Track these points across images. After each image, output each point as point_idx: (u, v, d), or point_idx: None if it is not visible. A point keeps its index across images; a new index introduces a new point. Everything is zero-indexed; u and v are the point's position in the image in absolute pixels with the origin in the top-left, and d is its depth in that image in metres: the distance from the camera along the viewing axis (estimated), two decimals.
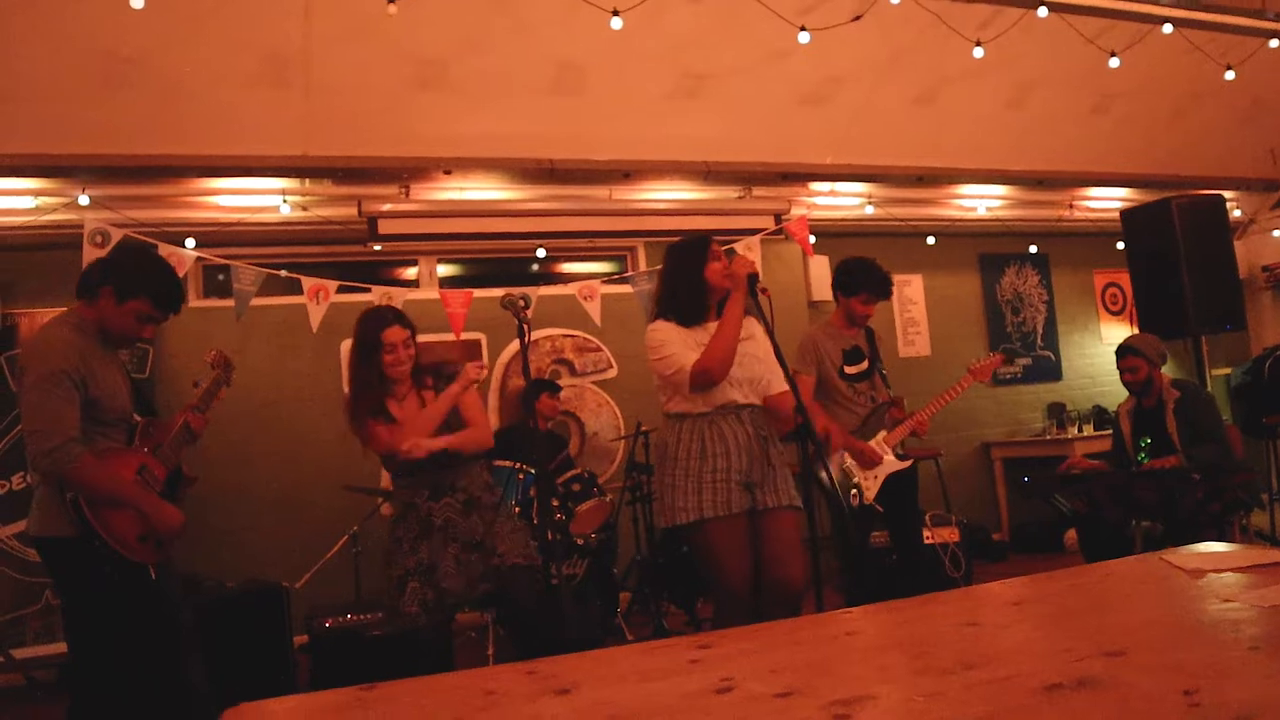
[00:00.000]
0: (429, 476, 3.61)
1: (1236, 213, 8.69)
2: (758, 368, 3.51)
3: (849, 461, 4.56)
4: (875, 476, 4.57)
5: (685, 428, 3.46)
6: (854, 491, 4.51)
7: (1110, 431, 5.70)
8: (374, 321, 3.65)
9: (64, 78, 4.86)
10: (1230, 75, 6.48)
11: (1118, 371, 5.34)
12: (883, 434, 4.63)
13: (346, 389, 3.78)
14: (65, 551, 3.02)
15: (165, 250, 5.07)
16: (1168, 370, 5.35)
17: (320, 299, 5.59)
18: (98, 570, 3.02)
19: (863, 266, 4.66)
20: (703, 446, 3.42)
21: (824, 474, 4.09)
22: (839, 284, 4.72)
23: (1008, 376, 8.38)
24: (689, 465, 3.41)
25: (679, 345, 3.42)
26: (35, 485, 3.09)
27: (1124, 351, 5.27)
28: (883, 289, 4.68)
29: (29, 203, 5.49)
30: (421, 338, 3.80)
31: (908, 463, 4.67)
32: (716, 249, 3.54)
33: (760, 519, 3.43)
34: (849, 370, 4.64)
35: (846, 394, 4.62)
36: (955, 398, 4.91)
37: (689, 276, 3.50)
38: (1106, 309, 9.01)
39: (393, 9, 4.63)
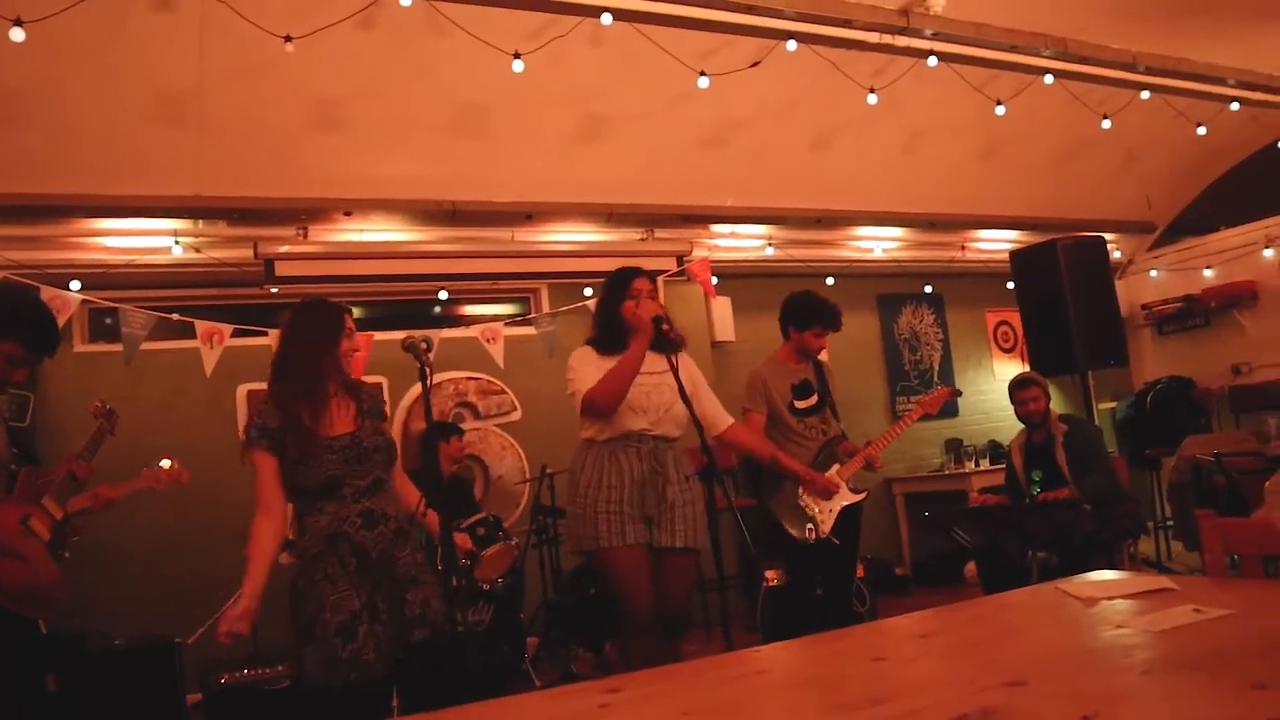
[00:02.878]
0: (361, 502, 3.07)
1: (1117, 254, 9.10)
2: (667, 397, 3.56)
3: (804, 496, 4.47)
4: (830, 510, 4.48)
5: (590, 455, 3.60)
6: (809, 526, 4.42)
7: (1004, 466, 5.87)
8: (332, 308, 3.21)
9: None
10: (1107, 124, 6.81)
11: (1012, 405, 5.52)
12: (836, 467, 4.58)
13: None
14: None
15: (48, 293, 4.85)
16: (1057, 405, 5.54)
17: (214, 343, 5.42)
18: None
19: (813, 300, 4.69)
20: (600, 476, 3.54)
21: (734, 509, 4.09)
22: (790, 318, 4.72)
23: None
24: (589, 494, 3.54)
25: (587, 372, 3.56)
26: None
27: (1026, 383, 5.44)
28: (834, 321, 4.70)
29: None
30: None
31: (862, 495, 4.61)
32: (637, 286, 3.66)
33: (659, 555, 3.55)
34: (799, 405, 4.61)
35: (797, 429, 4.59)
36: (904, 430, 4.97)
37: (608, 308, 3.69)
38: (999, 346, 9.31)
39: (290, 48, 4.56)
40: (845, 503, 4.54)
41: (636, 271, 3.74)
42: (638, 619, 3.47)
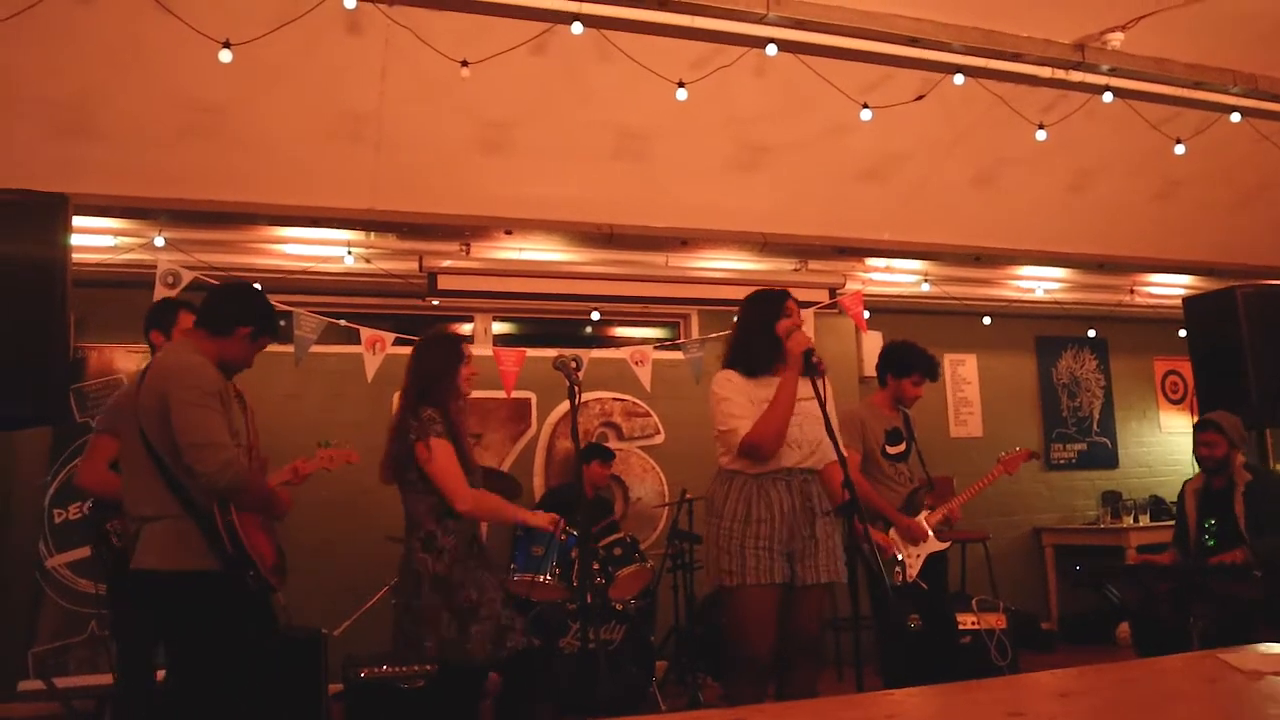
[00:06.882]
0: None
1: None
2: (817, 430, 3.47)
3: (894, 539, 4.56)
4: (918, 555, 4.58)
5: (735, 486, 3.51)
6: (897, 569, 4.50)
7: (1170, 521, 5.56)
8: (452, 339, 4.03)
9: (149, 125, 5.06)
10: None
11: (1193, 445, 5.19)
12: (924, 514, 4.66)
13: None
14: (205, 586, 3.00)
15: None
16: None
17: (377, 350, 5.68)
18: (240, 602, 3.07)
19: (913, 349, 4.78)
20: (748, 510, 3.46)
21: (867, 549, 4.04)
22: (890, 366, 4.79)
23: (1061, 462, 8.24)
24: (733, 528, 3.47)
25: (740, 403, 3.49)
26: (149, 519, 3.04)
27: (1205, 426, 5.12)
28: (933, 370, 4.80)
29: (108, 241, 5.67)
30: (473, 394, 3.94)
31: (946, 544, 4.71)
32: (791, 305, 3.62)
33: (795, 592, 3.48)
34: (890, 450, 4.70)
35: (889, 472, 4.67)
36: (985, 487, 4.98)
37: (762, 326, 3.58)
38: (1166, 397, 8.84)
39: (465, 73, 4.76)
40: (931, 550, 4.64)
41: (785, 293, 3.69)
42: (758, 661, 3.43)
